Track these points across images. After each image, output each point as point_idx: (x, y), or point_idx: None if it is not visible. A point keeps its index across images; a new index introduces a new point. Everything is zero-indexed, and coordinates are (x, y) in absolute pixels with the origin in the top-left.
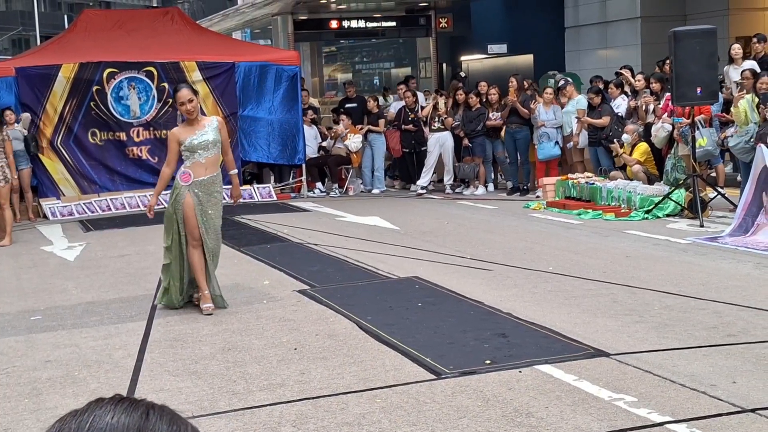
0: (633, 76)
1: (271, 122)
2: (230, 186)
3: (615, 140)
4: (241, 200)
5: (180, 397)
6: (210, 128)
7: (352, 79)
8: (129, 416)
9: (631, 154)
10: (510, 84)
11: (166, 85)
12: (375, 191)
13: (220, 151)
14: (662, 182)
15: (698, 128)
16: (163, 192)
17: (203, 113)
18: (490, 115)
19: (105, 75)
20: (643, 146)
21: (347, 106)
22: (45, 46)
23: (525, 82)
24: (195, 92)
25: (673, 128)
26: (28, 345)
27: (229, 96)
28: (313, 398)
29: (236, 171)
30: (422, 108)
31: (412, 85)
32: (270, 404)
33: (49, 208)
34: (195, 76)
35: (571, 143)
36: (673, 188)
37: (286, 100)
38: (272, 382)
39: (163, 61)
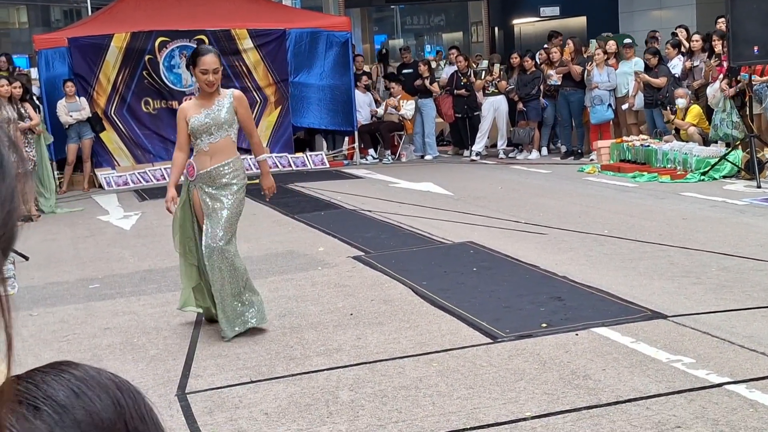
0: (689, 37)
1: (322, 88)
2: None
3: (668, 107)
4: (302, 166)
5: (238, 362)
6: (221, 106)
7: (407, 44)
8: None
9: (683, 118)
10: (567, 45)
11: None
12: (428, 157)
13: (233, 135)
14: (710, 136)
15: None
16: None
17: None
18: (550, 72)
19: (157, 44)
20: (696, 109)
21: (404, 72)
22: (96, 16)
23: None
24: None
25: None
26: (87, 313)
27: (280, 62)
28: (370, 363)
29: (265, 156)
30: (475, 74)
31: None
32: (327, 369)
33: (105, 178)
34: (246, 43)
35: (627, 104)
36: (729, 149)
37: (338, 66)
38: (329, 347)
39: (215, 29)
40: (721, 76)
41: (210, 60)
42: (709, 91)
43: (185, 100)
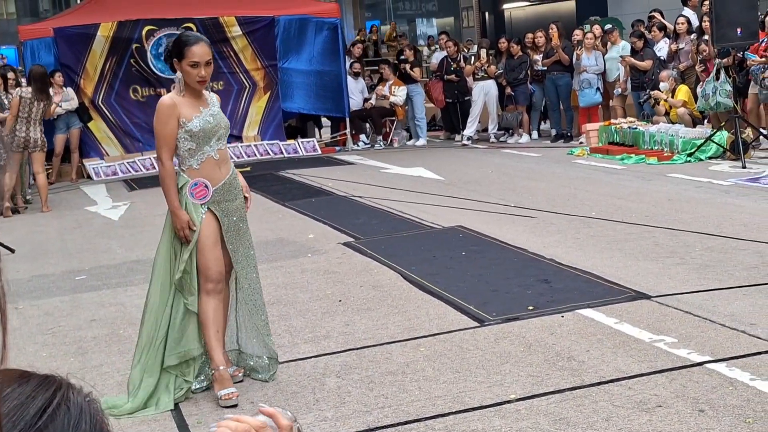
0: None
1: (311, 73)
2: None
3: (650, 90)
4: (297, 153)
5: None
6: (215, 105)
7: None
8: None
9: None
10: (551, 30)
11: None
12: (419, 142)
13: None
14: (697, 107)
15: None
16: None
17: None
18: (536, 57)
19: (144, 33)
20: (684, 88)
21: (401, 57)
22: (82, 6)
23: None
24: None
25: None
26: (73, 305)
27: (269, 48)
28: (358, 349)
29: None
30: (465, 59)
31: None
32: (315, 356)
33: (93, 168)
34: (234, 31)
35: (619, 89)
36: (715, 130)
37: (327, 52)
38: (317, 334)
39: (203, 17)
40: (713, 74)
41: (201, 51)
42: (699, 91)
43: (173, 88)
